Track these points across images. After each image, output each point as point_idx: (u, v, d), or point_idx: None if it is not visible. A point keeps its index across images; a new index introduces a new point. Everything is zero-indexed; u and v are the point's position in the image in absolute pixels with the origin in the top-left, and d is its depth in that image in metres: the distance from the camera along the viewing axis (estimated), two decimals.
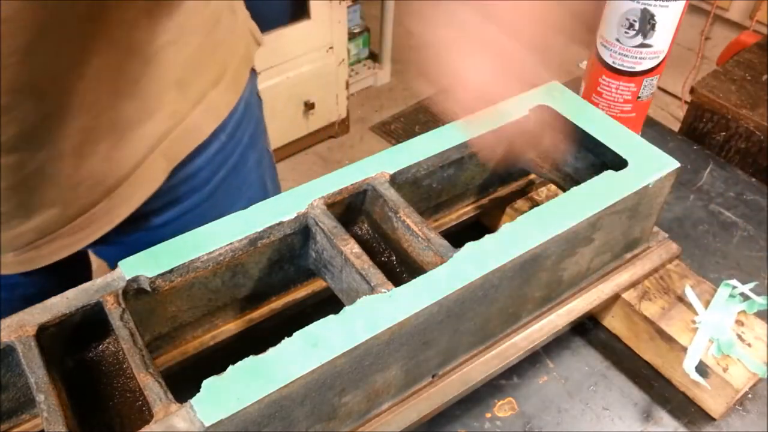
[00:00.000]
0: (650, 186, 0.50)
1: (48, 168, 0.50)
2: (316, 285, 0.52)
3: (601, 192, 0.49)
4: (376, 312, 0.40)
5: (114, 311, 0.40)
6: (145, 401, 0.37)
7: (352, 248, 0.44)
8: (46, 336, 0.39)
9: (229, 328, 0.49)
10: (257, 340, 0.47)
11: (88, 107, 0.49)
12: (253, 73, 0.69)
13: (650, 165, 0.51)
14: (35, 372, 0.37)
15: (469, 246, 0.44)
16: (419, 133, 0.52)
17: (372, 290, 0.42)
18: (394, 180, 0.49)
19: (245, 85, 0.65)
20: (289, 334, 0.38)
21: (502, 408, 0.52)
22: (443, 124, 0.53)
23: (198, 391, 0.36)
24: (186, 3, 0.54)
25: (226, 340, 0.49)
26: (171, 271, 0.42)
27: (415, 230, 0.46)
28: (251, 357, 0.37)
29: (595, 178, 0.50)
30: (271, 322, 0.51)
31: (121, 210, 0.57)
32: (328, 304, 0.48)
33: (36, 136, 0.47)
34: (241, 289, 0.48)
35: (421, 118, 2.41)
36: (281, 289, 0.51)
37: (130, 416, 0.40)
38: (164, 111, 0.56)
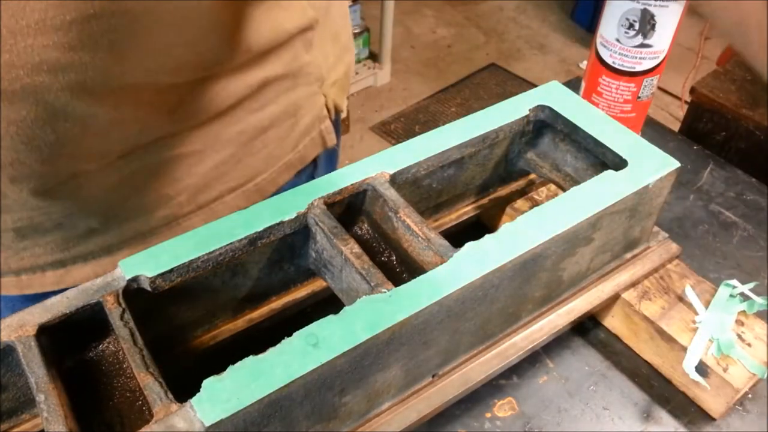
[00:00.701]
0: (650, 186, 0.50)
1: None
2: (316, 285, 0.52)
3: (601, 192, 0.49)
4: (376, 312, 0.40)
5: (114, 311, 0.40)
6: (145, 401, 0.37)
7: (352, 248, 0.44)
8: (46, 336, 0.39)
9: (229, 328, 0.49)
10: (257, 340, 0.47)
11: (81, 205, 0.46)
12: (313, 164, 0.58)
13: (650, 165, 0.51)
14: (35, 372, 0.37)
15: (469, 246, 0.44)
16: (419, 133, 0.52)
17: (372, 290, 0.41)
18: (394, 180, 0.49)
19: (281, 185, 0.56)
20: (289, 334, 0.38)
21: (502, 408, 0.52)
22: (443, 124, 0.53)
23: (198, 391, 0.36)
24: (233, 113, 0.47)
25: (226, 340, 0.49)
26: (171, 271, 0.42)
27: (415, 230, 0.46)
28: (251, 357, 0.37)
29: (595, 178, 0.50)
30: (271, 322, 0.51)
31: (65, 280, 0.52)
32: (328, 304, 0.48)
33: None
34: (241, 289, 0.48)
35: (421, 118, 2.40)
36: (281, 289, 0.51)
37: (130, 416, 0.40)
38: (160, 212, 0.50)
